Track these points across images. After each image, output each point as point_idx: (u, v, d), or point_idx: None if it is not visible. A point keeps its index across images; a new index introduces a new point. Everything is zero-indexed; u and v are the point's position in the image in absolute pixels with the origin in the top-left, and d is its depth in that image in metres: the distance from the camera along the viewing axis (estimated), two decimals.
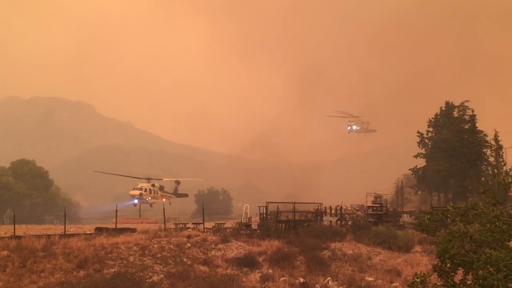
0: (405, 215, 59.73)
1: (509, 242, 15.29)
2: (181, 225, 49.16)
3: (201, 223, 49.74)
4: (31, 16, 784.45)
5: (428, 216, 17.52)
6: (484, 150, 69.86)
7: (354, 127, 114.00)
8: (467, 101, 73.33)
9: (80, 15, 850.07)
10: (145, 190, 71.33)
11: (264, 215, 51.39)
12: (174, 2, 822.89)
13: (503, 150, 70.21)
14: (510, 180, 16.36)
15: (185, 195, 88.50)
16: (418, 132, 78.44)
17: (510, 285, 13.79)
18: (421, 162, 77.80)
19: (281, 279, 33.84)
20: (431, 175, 72.95)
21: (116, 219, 49.96)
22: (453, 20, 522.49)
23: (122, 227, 47.78)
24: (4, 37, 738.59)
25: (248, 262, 37.13)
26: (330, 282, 33.07)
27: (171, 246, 38.96)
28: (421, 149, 77.95)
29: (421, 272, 15.60)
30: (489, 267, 14.13)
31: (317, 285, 32.41)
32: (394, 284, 32.99)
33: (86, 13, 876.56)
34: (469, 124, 71.36)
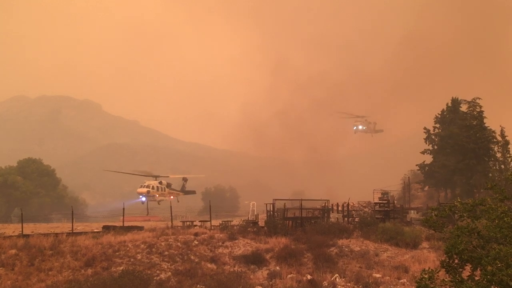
0: (412, 211, 59.56)
1: None
2: (188, 223, 49.22)
3: (208, 221, 49.86)
4: (35, 16, 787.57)
5: (436, 212, 17.47)
6: (492, 146, 69.42)
7: (360, 127, 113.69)
8: (479, 98, 72.70)
9: (86, 15, 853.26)
10: (153, 188, 71.41)
11: (271, 212, 51.34)
12: (177, 3, 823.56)
13: (510, 146, 69.70)
14: None
15: (193, 192, 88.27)
16: (425, 128, 78.31)
17: None
18: (428, 159, 77.70)
19: (289, 276, 33.83)
20: (438, 171, 72.78)
21: (123, 217, 50.04)
22: (461, 16, 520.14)
23: (130, 225, 47.87)
24: (11, 36, 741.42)
25: (255, 260, 37.10)
26: (337, 279, 33.04)
27: (178, 243, 39.01)
28: (428, 145, 77.82)
29: (429, 268, 15.57)
30: (498, 262, 14.08)
31: (325, 282, 32.37)
32: (401, 281, 32.92)
33: (93, 13, 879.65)
34: (477, 120, 70.92)
